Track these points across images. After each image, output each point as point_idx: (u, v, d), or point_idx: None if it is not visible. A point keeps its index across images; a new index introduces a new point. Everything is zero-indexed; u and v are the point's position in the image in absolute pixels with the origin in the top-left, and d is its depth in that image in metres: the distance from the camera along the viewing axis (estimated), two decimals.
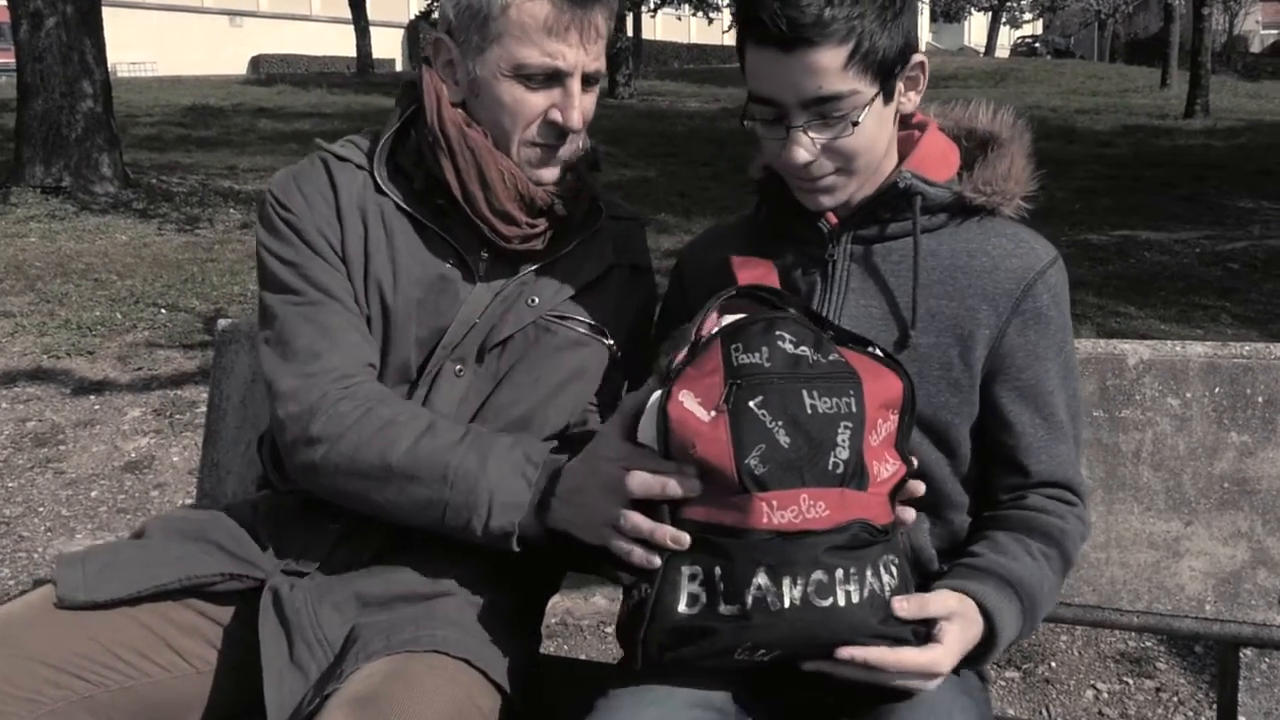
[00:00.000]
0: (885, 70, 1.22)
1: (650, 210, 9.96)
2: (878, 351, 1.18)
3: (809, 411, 1.09)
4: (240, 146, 13.62)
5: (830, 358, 1.13)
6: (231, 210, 9.56)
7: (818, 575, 1.07)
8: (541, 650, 1.56)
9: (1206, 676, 2.65)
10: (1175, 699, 2.58)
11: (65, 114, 9.37)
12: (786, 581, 1.07)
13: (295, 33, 34.85)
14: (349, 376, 1.34)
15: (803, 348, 1.13)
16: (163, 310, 6.22)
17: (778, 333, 1.13)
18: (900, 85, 1.28)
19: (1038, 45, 45.19)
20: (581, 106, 1.38)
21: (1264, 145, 14.14)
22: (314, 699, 1.20)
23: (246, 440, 1.96)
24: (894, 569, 1.13)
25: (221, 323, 2.04)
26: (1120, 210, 9.94)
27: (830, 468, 1.09)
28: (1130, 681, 2.66)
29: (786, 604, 1.07)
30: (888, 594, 1.11)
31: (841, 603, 1.07)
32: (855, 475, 1.10)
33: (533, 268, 1.44)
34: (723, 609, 1.08)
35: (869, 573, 1.09)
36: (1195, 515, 1.50)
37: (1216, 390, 1.50)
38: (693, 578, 1.10)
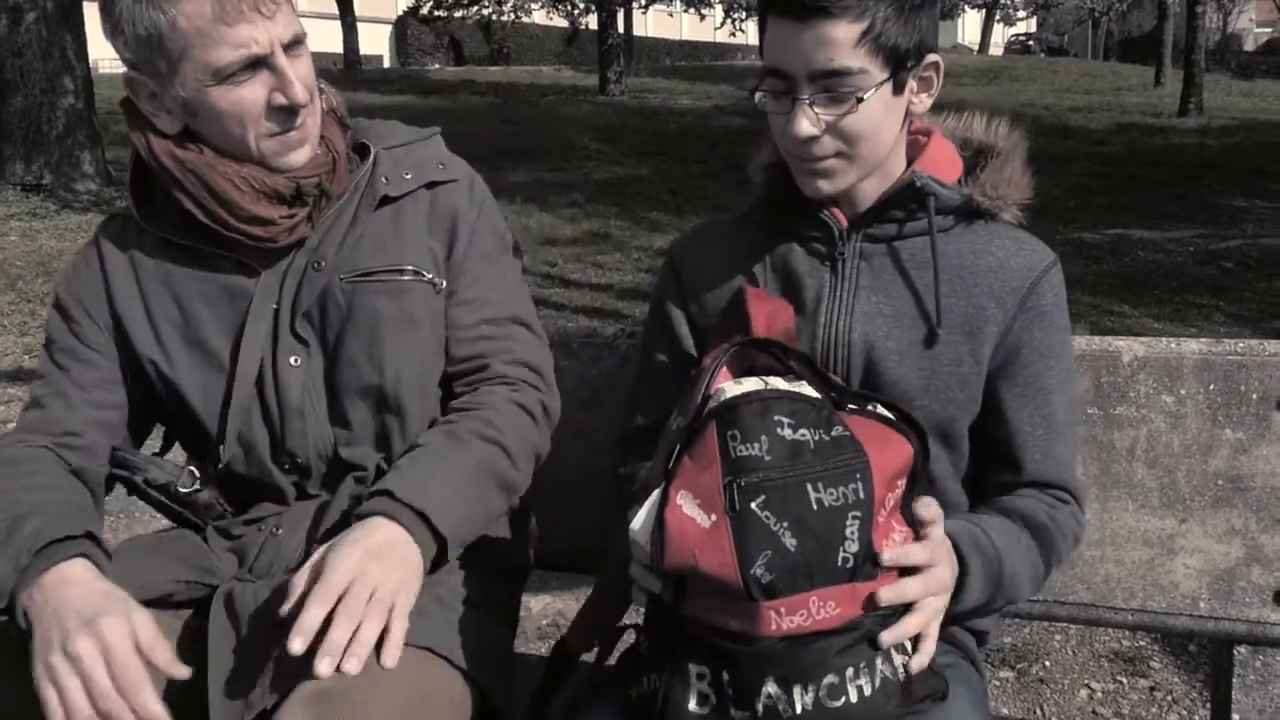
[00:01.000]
0: (897, 60, 1.23)
1: (643, 209, 9.98)
2: (883, 411, 1.15)
3: (814, 507, 1.05)
4: None
5: (834, 433, 1.09)
6: None
7: (829, 679, 1.06)
8: (533, 651, 1.57)
9: (1200, 675, 2.67)
10: (1169, 698, 2.59)
11: (46, 110, 9.34)
12: (797, 690, 1.05)
13: None
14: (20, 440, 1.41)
15: (802, 430, 1.08)
16: None
17: (775, 417, 1.08)
18: (913, 83, 1.29)
19: (1031, 43, 45.30)
20: (298, 76, 1.32)
21: (1258, 144, 14.21)
22: (270, 692, 1.21)
23: None
24: (907, 641, 1.11)
25: None
26: (1114, 208, 9.99)
27: (840, 564, 1.05)
28: (1124, 680, 2.67)
29: (798, 710, 1.05)
30: (900, 676, 1.09)
31: (854, 699, 1.06)
32: (865, 564, 1.07)
33: (311, 231, 1.42)
34: (734, 714, 1.07)
35: (880, 661, 1.08)
36: (1189, 513, 1.52)
37: (1211, 387, 1.51)
38: (700, 677, 1.08)
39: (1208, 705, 2.54)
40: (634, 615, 1.22)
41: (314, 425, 1.42)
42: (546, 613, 3.05)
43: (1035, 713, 2.57)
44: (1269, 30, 47.99)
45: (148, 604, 1.35)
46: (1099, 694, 2.63)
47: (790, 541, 1.03)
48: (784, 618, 1.04)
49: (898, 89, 1.27)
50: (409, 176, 1.46)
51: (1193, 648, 2.79)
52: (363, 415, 1.43)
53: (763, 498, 1.04)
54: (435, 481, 1.29)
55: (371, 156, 1.47)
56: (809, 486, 1.05)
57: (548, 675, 1.37)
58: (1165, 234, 8.84)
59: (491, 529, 1.38)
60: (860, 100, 1.22)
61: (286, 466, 1.43)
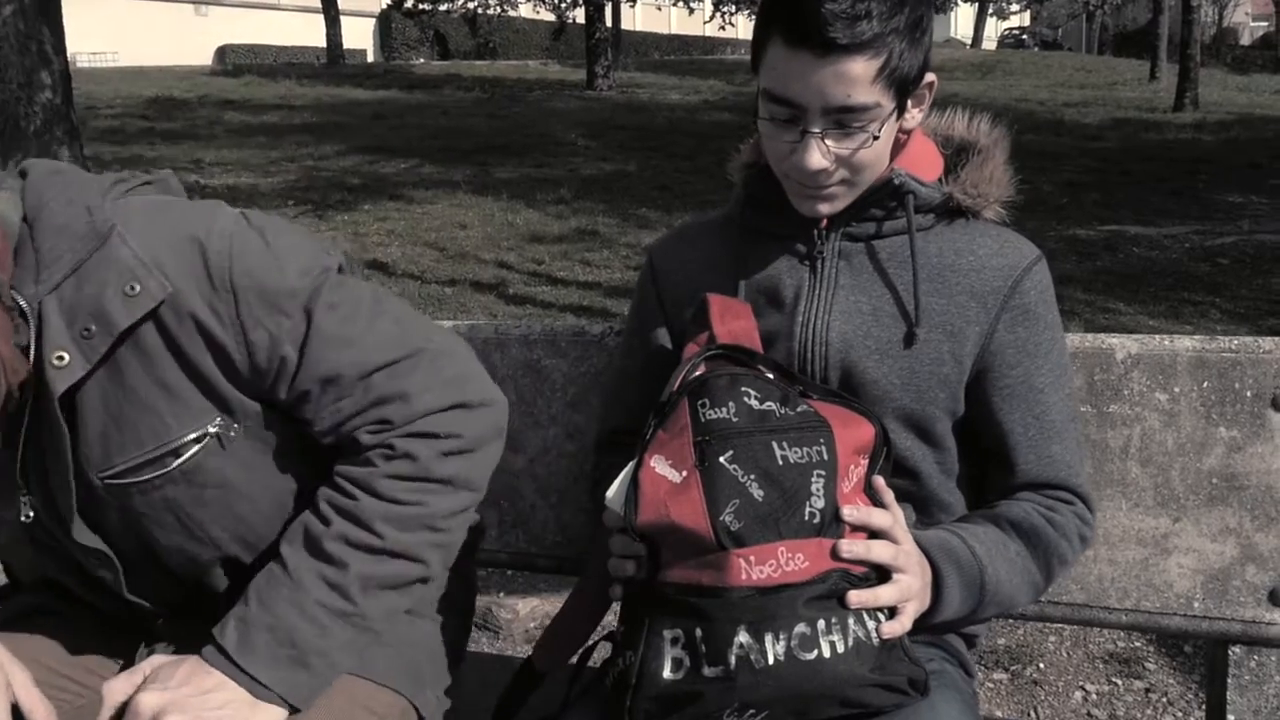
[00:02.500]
0: (904, 87, 1.24)
1: (632, 205, 9.98)
2: (847, 399, 1.21)
3: (780, 463, 1.10)
4: (206, 140, 13.51)
5: (799, 409, 1.15)
6: None
7: (800, 628, 1.07)
8: (519, 655, 1.57)
9: (1196, 676, 2.68)
10: (1164, 699, 2.61)
11: (23, 105, 9.27)
12: (769, 638, 1.07)
13: (263, 22, 34.66)
14: None
15: (769, 403, 1.15)
16: None
17: (742, 389, 1.15)
18: (909, 102, 1.29)
19: (1025, 37, 45.47)
20: None
21: (1254, 139, 14.28)
22: None
23: None
24: (880, 613, 1.13)
25: None
26: (1109, 205, 10.02)
27: (807, 518, 1.10)
28: (1119, 682, 2.69)
29: (770, 661, 1.06)
30: (875, 641, 1.11)
31: (827, 654, 1.08)
32: (832, 524, 1.11)
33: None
34: (706, 671, 1.08)
35: (852, 621, 1.10)
36: (1184, 512, 1.52)
37: (1205, 385, 1.52)
38: (674, 641, 1.10)
39: (1204, 707, 2.55)
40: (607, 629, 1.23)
41: (156, 592, 1.24)
42: (534, 615, 3.05)
43: (1029, 715, 2.58)
44: (1264, 24, 48.20)
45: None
46: (1093, 696, 2.64)
47: (758, 492, 1.09)
48: (753, 567, 1.07)
49: (900, 113, 1.28)
50: (91, 333, 1.04)
51: (1188, 648, 2.80)
52: (215, 569, 1.23)
53: (730, 452, 1.10)
54: (282, 629, 1.10)
55: (32, 327, 1.04)
56: (775, 444, 1.11)
57: (510, 696, 1.37)
58: (1160, 230, 8.87)
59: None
60: (877, 138, 1.23)
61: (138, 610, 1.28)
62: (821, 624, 1.08)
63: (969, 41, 41.87)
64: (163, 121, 14.98)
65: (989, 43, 43.39)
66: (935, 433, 1.34)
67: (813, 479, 1.11)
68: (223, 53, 32.41)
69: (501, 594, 3.17)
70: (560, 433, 1.74)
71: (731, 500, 1.08)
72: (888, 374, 1.31)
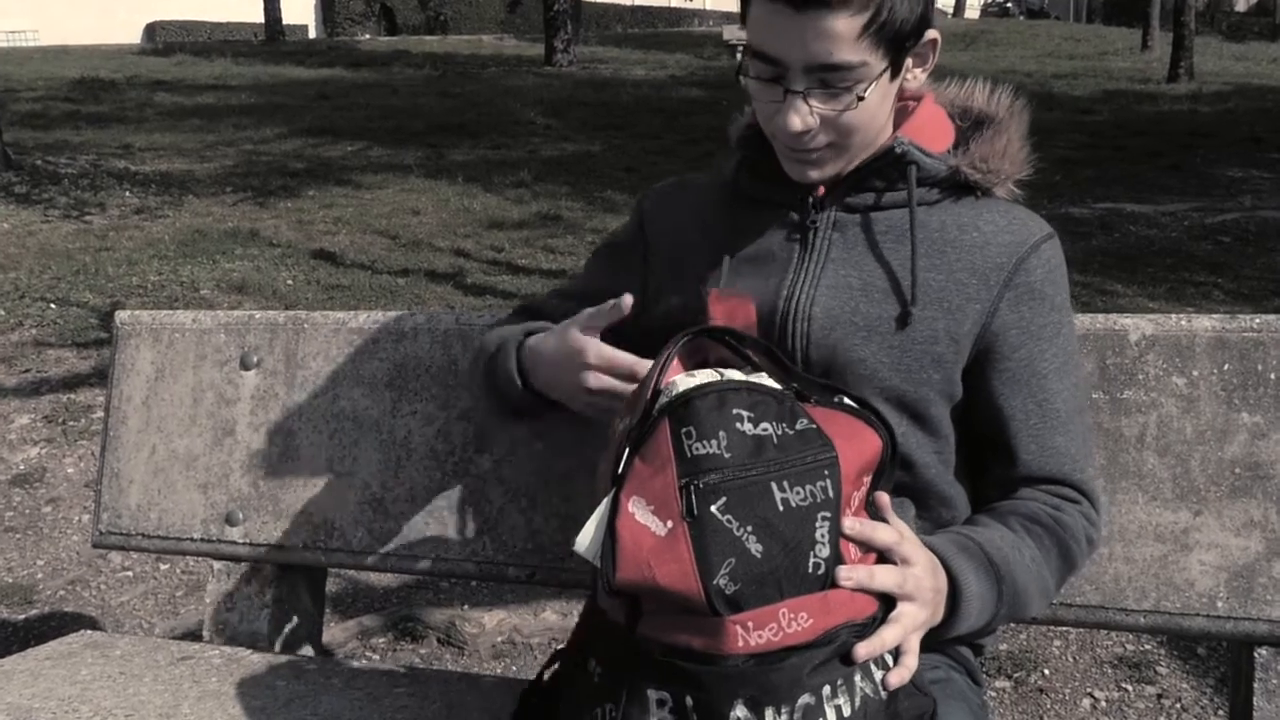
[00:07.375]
0: (898, 45, 1.22)
1: (596, 187, 9.95)
2: (848, 402, 1.13)
3: (781, 509, 1.02)
4: (136, 123, 13.35)
5: (799, 426, 1.06)
6: (127, 194, 9.38)
7: (804, 700, 1.02)
8: (487, 673, 1.53)
9: (1211, 680, 2.68)
10: (1178, 705, 2.60)
11: None
12: (770, 712, 1.01)
13: None
14: None
15: (764, 425, 1.05)
16: (52, 305, 6.08)
17: (734, 410, 1.05)
18: (909, 61, 1.27)
19: (1010, 5, 45.76)
20: None
21: (1253, 110, 14.42)
22: None
23: (150, 446, 1.91)
24: (889, 656, 1.09)
25: (120, 314, 1.98)
26: (1103, 181, 10.08)
27: (811, 570, 1.02)
28: (1129, 688, 2.68)
29: None
30: (883, 694, 1.07)
31: None
32: (836, 570, 1.05)
33: None
34: None
35: (858, 678, 1.05)
36: (1205, 504, 1.51)
37: (1225, 367, 1.51)
38: (661, 704, 1.04)
39: (1220, 712, 2.55)
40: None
41: None
42: (501, 629, 3.01)
43: None
44: None
45: None
46: (1103, 703, 2.63)
47: (755, 548, 1.01)
48: (752, 633, 1.00)
49: (895, 73, 1.25)
50: None
51: (1202, 650, 2.80)
52: None
53: (723, 500, 1.01)
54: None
55: None
56: (774, 486, 1.03)
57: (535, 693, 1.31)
58: (1158, 207, 8.93)
59: None
60: (861, 99, 1.21)
61: None
62: (826, 690, 1.03)
63: (951, 11, 42.08)
64: (89, 104, 14.79)
65: (972, 11, 43.64)
66: (930, 417, 1.32)
67: (816, 524, 1.03)
68: (152, 30, 32.04)
69: (465, 606, 3.12)
70: (529, 430, 1.71)
71: (726, 560, 1.00)
72: (875, 352, 1.29)
